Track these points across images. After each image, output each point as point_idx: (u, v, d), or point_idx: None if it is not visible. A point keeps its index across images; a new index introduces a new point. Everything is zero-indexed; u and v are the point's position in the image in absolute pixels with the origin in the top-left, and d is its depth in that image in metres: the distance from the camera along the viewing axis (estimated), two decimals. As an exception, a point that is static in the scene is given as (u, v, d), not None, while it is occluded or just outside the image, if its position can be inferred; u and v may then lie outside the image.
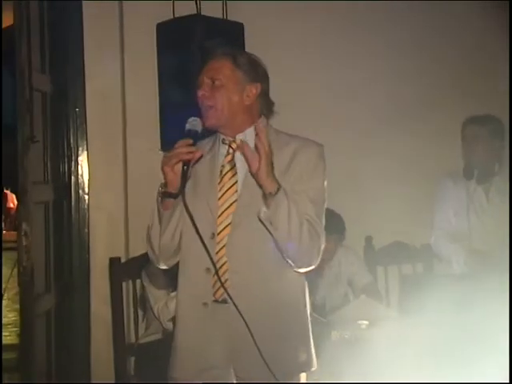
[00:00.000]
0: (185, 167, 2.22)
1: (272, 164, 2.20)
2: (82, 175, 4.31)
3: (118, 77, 4.23)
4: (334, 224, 3.83)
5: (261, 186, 2.21)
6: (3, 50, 4.11)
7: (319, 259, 2.34)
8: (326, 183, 2.39)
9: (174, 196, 2.25)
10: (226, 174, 2.37)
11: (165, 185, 2.29)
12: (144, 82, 4.11)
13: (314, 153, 2.39)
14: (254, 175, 2.21)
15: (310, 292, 3.69)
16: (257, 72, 2.40)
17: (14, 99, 3.66)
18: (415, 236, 4.16)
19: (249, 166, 2.21)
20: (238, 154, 2.36)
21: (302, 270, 2.36)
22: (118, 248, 3.98)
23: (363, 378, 2.88)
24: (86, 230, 4.28)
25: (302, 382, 2.46)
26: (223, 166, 2.38)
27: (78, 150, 4.31)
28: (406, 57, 4.46)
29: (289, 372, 2.36)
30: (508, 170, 3.77)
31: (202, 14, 4.00)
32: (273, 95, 4.04)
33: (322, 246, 2.33)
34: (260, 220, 2.24)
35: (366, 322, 3.39)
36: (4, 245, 15.01)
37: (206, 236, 2.29)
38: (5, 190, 19.51)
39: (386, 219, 4.20)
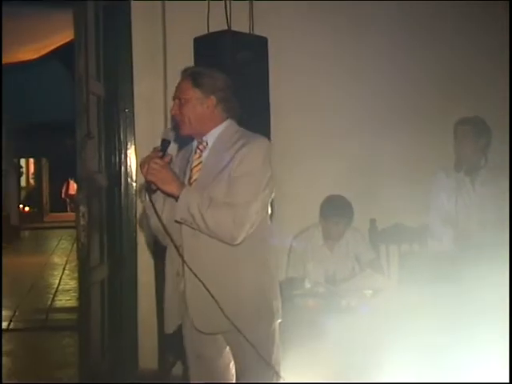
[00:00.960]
0: None
1: (171, 175, 2.34)
2: (130, 166, 4.34)
3: (161, 83, 4.25)
4: (345, 211, 3.84)
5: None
6: (68, 60, 4.16)
7: (242, 232, 2.34)
8: (267, 172, 2.40)
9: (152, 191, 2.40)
10: (194, 168, 2.49)
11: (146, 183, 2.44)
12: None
13: (255, 146, 2.41)
14: None
15: (322, 267, 3.75)
16: (214, 85, 2.47)
17: (74, 102, 3.71)
18: (413, 219, 4.15)
19: None
20: (204, 153, 2.48)
21: (233, 244, 2.36)
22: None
23: (367, 340, 2.90)
24: (134, 212, 4.31)
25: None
26: (193, 163, 2.50)
27: (127, 145, 4.33)
28: (409, 63, 4.38)
29: (248, 320, 2.39)
30: (493, 164, 3.75)
31: (232, 29, 4.01)
32: (290, 95, 4.13)
33: (248, 220, 2.34)
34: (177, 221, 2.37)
35: (370, 292, 3.40)
36: (65, 224, 15.28)
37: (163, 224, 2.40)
38: (69, 179, 19.73)
39: (388, 204, 4.18)
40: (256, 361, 2.40)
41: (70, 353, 4.87)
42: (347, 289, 3.48)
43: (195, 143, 2.54)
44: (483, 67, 4.44)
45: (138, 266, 4.26)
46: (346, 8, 4.36)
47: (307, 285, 3.60)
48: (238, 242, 2.35)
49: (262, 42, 3.99)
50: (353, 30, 4.38)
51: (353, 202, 3.86)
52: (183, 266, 2.40)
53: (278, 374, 2.47)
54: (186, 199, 2.31)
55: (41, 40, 6.05)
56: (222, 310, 2.31)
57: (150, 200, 2.35)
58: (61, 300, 7.57)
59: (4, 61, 7.00)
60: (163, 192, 2.37)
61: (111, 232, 4.24)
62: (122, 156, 4.33)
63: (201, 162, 2.48)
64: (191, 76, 2.48)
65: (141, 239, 4.25)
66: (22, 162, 21.20)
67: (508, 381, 2.60)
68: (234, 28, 4.02)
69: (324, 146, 4.32)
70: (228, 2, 4.04)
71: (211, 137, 2.48)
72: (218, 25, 3.99)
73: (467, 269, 2.98)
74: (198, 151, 2.50)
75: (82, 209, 3.72)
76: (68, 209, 20.77)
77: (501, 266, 2.88)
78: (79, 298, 3.97)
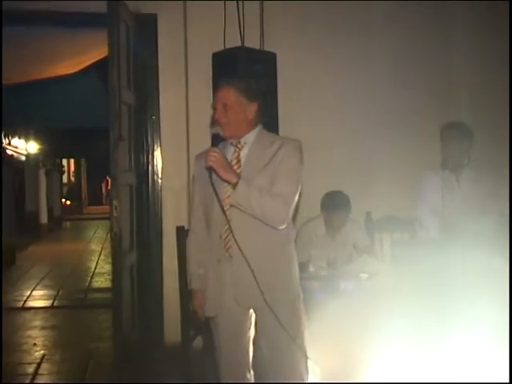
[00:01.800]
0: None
1: (228, 165, 2.34)
2: (156, 165, 4.35)
3: (183, 94, 4.26)
4: (345, 204, 3.82)
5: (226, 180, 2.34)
6: (103, 73, 4.17)
7: (289, 217, 2.40)
8: (302, 168, 2.43)
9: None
10: (234, 165, 2.44)
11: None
12: (202, 97, 4.11)
13: (292, 146, 2.44)
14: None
15: (324, 253, 3.74)
16: (253, 93, 2.44)
17: (108, 110, 3.73)
18: (403, 212, 4.12)
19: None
20: (242, 152, 2.45)
21: (279, 228, 2.39)
22: (183, 219, 4.00)
23: (364, 317, 2.89)
24: (159, 205, 4.32)
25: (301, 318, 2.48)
26: (232, 161, 2.44)
27: (153, 146, 4.35)
28: (407, 73, 4.36)
29: (277, 298, 2.38)
30: (475, 162, 3.72)
31: (245, 45, 4.01)
32: (296, 104, 4.12)
33: (292, 208, 2.39)
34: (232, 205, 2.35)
35: (366, 275, 3.39)
36: (101, 215, 15.32)
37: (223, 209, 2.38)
38: (107, 177, 19.78)
39: (382, 199, 4.18)
40: (283, 336, 2.38)
41: (104, 327, 4.89)
42: (346, 272, 3.47)
43: (227, 144, 2.48)
44: (480, 71, 4.40)
45: (163, 253, 4.27)
46: (344, 22, 4.38)
47: (311, 269, 3.59)
48: (285, 225, 2.39)
49: (271, 57, 3.99)
50: (352, 42, 4.38)
51: (351, 197, 3.84)
52: (228, 250, 2.39)
53: (304, 352, 2.46)
54: (244, 186, 2.30)
55: (78, 56, 6.08)
56: (261, 290, 2.31)
57: (214, 189, 2.33)
58: (97, 281, 7.63)
59: (47, 75, 7.06)
60: (221, 178, 2.33)
61: (140, 223, 4.26)
62: (150, 157, 4.35)
63: (239, 161, 2.44)
64: (233, 84, 2.42)
65: (165, 229, 4.25)
66: (64, 161, 21.35)
67: (508, 381, 2.55)
68: (247, 45, 4.02)
69: (326, 148, 4.30)
70: (242, 22, 4.05)
71: (249, 139, 2.45)
72: (233, 42, 4.00)
73: (451, 254, 2.97)
74: (237, 150, 2.46)
75: (115, 202, 3.73)
76: (104, 202, 20.86)
77: (480, 251, 2.86)
78: (113, 280, 3.98)
